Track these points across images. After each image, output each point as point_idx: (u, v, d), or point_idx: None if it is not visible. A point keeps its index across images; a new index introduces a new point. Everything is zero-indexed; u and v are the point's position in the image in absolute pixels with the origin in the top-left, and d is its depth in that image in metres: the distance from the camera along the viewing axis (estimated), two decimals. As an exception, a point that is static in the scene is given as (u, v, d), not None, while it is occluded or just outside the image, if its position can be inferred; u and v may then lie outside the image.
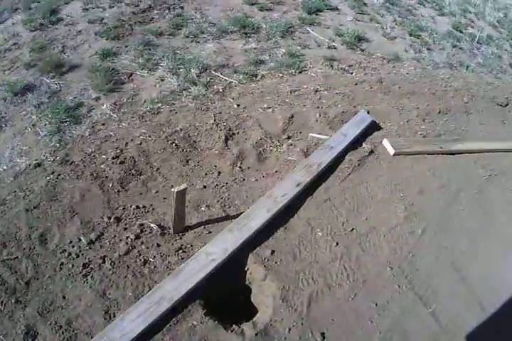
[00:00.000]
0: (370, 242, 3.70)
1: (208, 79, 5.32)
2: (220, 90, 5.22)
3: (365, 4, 8.35)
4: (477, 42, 8.41)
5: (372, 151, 4.73)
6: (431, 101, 5.63)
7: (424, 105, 5.52)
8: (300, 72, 5.82)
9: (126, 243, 3.29)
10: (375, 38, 7.09)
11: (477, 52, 8.03)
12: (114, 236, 3.36)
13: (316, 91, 5.44)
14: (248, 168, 4.39)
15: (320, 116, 5.01)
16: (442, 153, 4.92)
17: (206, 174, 4.23)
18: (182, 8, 6.68)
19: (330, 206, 4.06)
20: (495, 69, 7.66)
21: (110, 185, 3.79)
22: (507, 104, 6.27)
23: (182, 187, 2.94)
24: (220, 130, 4.62)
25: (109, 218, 3.47)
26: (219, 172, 4.27)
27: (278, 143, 4.65)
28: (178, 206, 3.10)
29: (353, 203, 4.15)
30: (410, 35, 7.58)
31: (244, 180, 4.25)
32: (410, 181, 4.51)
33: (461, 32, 8.70)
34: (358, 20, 7.65)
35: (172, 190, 2.94)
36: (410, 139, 4.91)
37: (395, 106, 5.40)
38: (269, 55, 6.05)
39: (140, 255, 3.23)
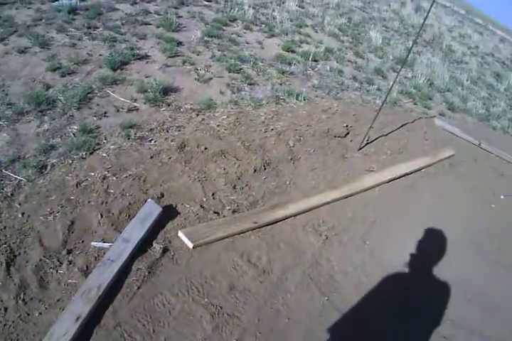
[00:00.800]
0: (171, 370, 2.90)
1: (-1, 180, 4.28)
2: (9, 194, 4.17)
3: (179, 44, 7.50)
4: (312, 61, 7.67)
5: (165, 250, 3.80)
6: (245, 159, 4.81)
7: (234, 167, 4.69)
8: (91, 153, 4.81)
9: None
10: (186, 85, 6.20)
11: (312, 73, 7.38)
12: None
13: (104, 178, 4.47)
14: (31, 299, 3.44)
15: (103, 216, 4.01)
16: (259, 227, 3.91)
17: (-4, 312, 3.30)
18: (-14, 89, 5.58)
19: (121, 333, 3.20)
20: (334, 89, 6.98)
21: None
22: (347, 134, 5.51)
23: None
24: (2, 254, 3.63)
25: None
26: (5, 309, 3.35)
27: (58, 263, 3.67)
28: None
29: (148, 324, 3.28)
30: (229, 71, 6.71)
31: (29, 314, 3.34)
32: (217, 278, 3.65)
33: (293, 52, 7.99)
34: (168, 66, 6.75)
35: None
36: (213, 222, 4.03)
37: (198, 177, 4.53)
38: (61, 137, 5.01)
39: None
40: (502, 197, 6.34)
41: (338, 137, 5.44)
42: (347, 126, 5.64)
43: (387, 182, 5.21)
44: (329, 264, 4.00)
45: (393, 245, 4.40)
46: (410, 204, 5.01)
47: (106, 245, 3.79)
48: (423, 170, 5.89)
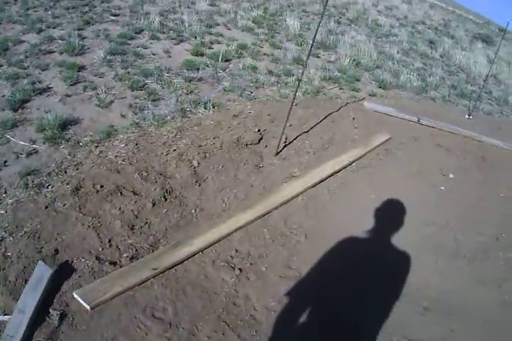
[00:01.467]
0: None
1: None
2: None
3: (81, 68, 6.80)
4: (224, 61, 7.06)
5: (64, 315, 3.25)
6: (143, 192, 4.23)
7: (131, 204, 4.07)
8: (-7, 210, 4.22)
9: None
10: (86, 115, 5.56)
11: (223, 74, 6.70)
12: None
13: (2, 240, 3.87)
14: None
15: (0, 284, 3.44)
16: (161, 273, 3.53)
17: None
18: None
19: None
20: (248, 88, 6.36)
21: None
22: (260, 139, 4.93)
23: None
24: None
25: None
26: None
27: (-30, 346, 3.21)
28: None
29: None
30: (132, 89, 6.05)
31: None
32: None
33: (202, 55, 7.37)
34: (69, 96, 6.05)
35: None
36: (109, 277, 3.50)
37: (92, 223, 3.97)
38: (-35, 201, 4.41)
39: None
40: (451, 176, 5.84)
41: (251, 144, 4.84)
42: (259, 130, 5.02)
43: (313, 186, 4.66)
44: (248, 302, 3.48)
45: (326, 265, 3.83)
46: (342, 209, 4.49)
47: (6, 318, 3.33)
48: (354, 163, 5.37)
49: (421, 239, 4.45)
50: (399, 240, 4.24)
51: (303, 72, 5.13)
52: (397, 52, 11.10)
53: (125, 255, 3.71)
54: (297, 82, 6.01)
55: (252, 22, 9.71)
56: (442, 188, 5.51)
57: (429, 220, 4.74)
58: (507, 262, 4.42)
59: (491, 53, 14.63)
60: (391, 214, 4.58)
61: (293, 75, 7.33)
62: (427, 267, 4.12)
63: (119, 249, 3.78)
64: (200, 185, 4.42)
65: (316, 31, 5.08)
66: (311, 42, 8.90)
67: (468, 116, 8.58)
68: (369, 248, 4.10)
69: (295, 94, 5.00)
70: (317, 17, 11.61)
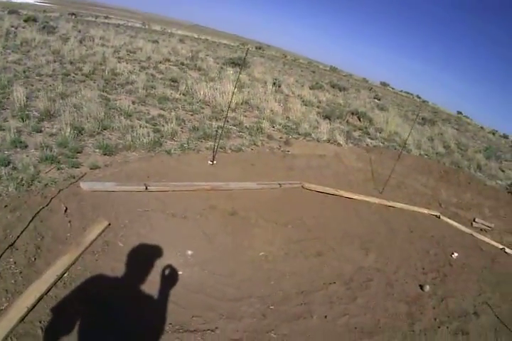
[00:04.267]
0: None
1: None
2: None
3: None
4: None
5: None
6: None
7: None
8: None
9: None
10: None
11: None
12: None
13: None
14: None
15: None
16: None
17: None
18: None
19: None
20: None
21: None
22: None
23: None
24: None
25: None
26: None
27: None
28: None
29: None
30: None
31: None
32: None
33: None
34: None
35: None
36: None
37: None
38: None
39: None
40: (189, 252, 5.08)
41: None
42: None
43: (20, 322, 3.53)
44: None
45: None
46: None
47: None
48: (66, 274, 4.17)
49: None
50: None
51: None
52: (132, 103, 10.09)
53: None
54: (15, 170, 5.12)
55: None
56: (181, 273, 4.73)
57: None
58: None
59: (242, 76, 13.55)
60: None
61: (8, 165, 5.91)
62: None
63: None
64: None
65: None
66: (36, 113, 8.06)
67: (212, 161, 7.89)
68: None
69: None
70: (51, 78, 10.68)
